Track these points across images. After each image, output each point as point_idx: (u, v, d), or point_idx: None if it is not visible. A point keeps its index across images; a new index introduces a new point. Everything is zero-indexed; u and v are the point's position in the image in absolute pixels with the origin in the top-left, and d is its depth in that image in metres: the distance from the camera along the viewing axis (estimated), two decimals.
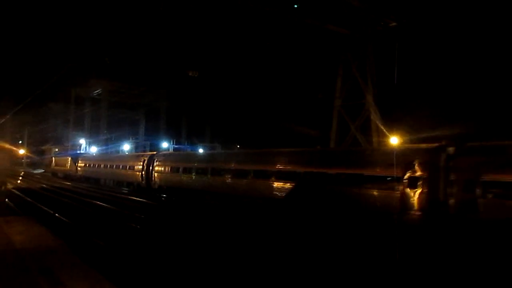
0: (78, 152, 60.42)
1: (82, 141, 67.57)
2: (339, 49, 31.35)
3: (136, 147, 66.02)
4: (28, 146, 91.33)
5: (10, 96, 59.38)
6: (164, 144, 65.77)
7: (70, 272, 7.57)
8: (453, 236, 11.86)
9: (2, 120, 75.64)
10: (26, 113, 67.83)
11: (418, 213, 13.70)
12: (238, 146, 62.25)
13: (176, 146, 67.10)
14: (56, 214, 17.89)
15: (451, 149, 14.21)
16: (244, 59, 36.94)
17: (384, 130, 29.51)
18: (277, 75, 41.89)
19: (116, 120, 69.72)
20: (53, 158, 63.90)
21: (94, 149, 64.48)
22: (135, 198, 26.35)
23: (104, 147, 63.96)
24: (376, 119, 29.64)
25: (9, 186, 31.95)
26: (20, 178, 50.55)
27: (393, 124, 29.04)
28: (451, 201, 13.09)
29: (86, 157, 51.31)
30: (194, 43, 33.20)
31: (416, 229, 13.19)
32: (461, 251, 10.59)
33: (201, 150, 56.88)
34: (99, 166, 44.15)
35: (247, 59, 37.10)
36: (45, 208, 20.12)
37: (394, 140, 27.88)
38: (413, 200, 13.96)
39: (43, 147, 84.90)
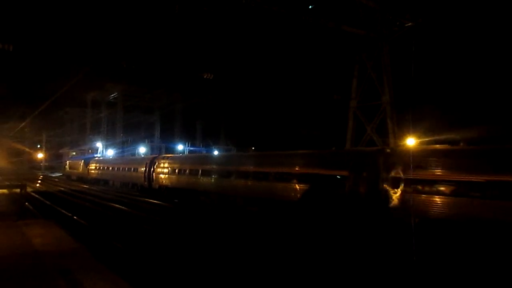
0: (94, 155, 62.20)
1: (99, 145, 68.26)
2: (355, 50, 31.09)
3: (152, 150, 66.44)
4: (47, 150, 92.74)
5: (28, 101, 60.45)
6: (180, 147, 66.04)
7: (89, 274, 7.62)
8: (382, 221, 15.38)
9: (21, 125, 77.14)
10: (44, 118, 69.03)
11: (360, 204, 16.47)
12: (253, 148, 62.29)
13: (191, 148, 67.33)
14: (74, 217, 18.10)
15: (386, 153, 17.07)
16: (258, 61, 36.94)
17: (400, 132, 29.23)
18: (292, 76, 41.84)
19: (132, 123, 70.36)
20: (67, 162, 66.82)
21: (110, 152, 65.15)
22: (150, 200, 26.54)
23: (120, 150, 64.49)
24: (392, 120, 29.33)
25: (28, 189, 32.40)
26: (39, 181, 51.31)
27: (410, 125, 28.74)
28: (383, 194, 15.73)
29: (97, 161, 54.00)
30: (209, 45, 33.35)
31: (359, 217, 16.28)
32: (389, 230, 14.70)
33: (216, 152, 57.10)
34: (107, 168, 46.97)
35: (261, 61, 37.11)
36: (63, 211, 20.38)
37: (411, 141, 27.60)
38: (357, 194, 16.57)
39: (61, 151, 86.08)
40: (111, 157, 58.47)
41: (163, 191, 31.63)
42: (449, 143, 18.25)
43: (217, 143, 70.82)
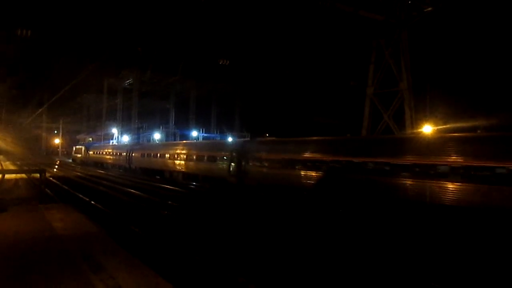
0: (95, 143, 68.15)
1: (115, 131, 68.85)
2: (372, 35, 30.60)
3: (167, 136, 66.84)
4: (64, 136, 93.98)
5: (46, 88, 61.13)
6: (194, 133, 66.29)
7: (111, 258, 7.72)
8: (244, 184, 24.39)
9: (39, 112, 78.13)
10: (62, 104, 69.85)
11: (233, 175, 25.33)
12: (267, 135, 62.14)
13: (205, 135, 67.56)
14: (92, 202, 18.35)
15: (252, 141, 26.25)
16: (275, 47, 36.64)
17: (418, 119, 28.84)
18: (308, 62, 41.42)
19: (148, 109, 70.63)
20: (73, 148, 75.32)
21: (126, 138, 65.76)
22: (165, 186, 26.72)
23: (135, 136, 65.04)
24: (410, 107, 28.92)
25: (47, 174, 32.92)
26: (56, 167, 52.10)
27: (429, 112, 28.32)
28: (244, 168, 24.38)
29: (95, 147, 62.55)
30: (225, 31, 33.15)
31: (233, 183, 25.28)
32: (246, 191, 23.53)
33: (230, 139, 57.24)
34: (102, 153, 56.05)
35: (278, 47, 36.80)
36: (81, 196, 20.67)
37: (428, 129, 27.27)
38: (232, 169, 25.43)
39: (78, 137, 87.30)
40: (105, 144, 64.12)
41: (137, 170, 41.06)
42: (467, 130, 18.24)
43: (232, 130, 70.78)
